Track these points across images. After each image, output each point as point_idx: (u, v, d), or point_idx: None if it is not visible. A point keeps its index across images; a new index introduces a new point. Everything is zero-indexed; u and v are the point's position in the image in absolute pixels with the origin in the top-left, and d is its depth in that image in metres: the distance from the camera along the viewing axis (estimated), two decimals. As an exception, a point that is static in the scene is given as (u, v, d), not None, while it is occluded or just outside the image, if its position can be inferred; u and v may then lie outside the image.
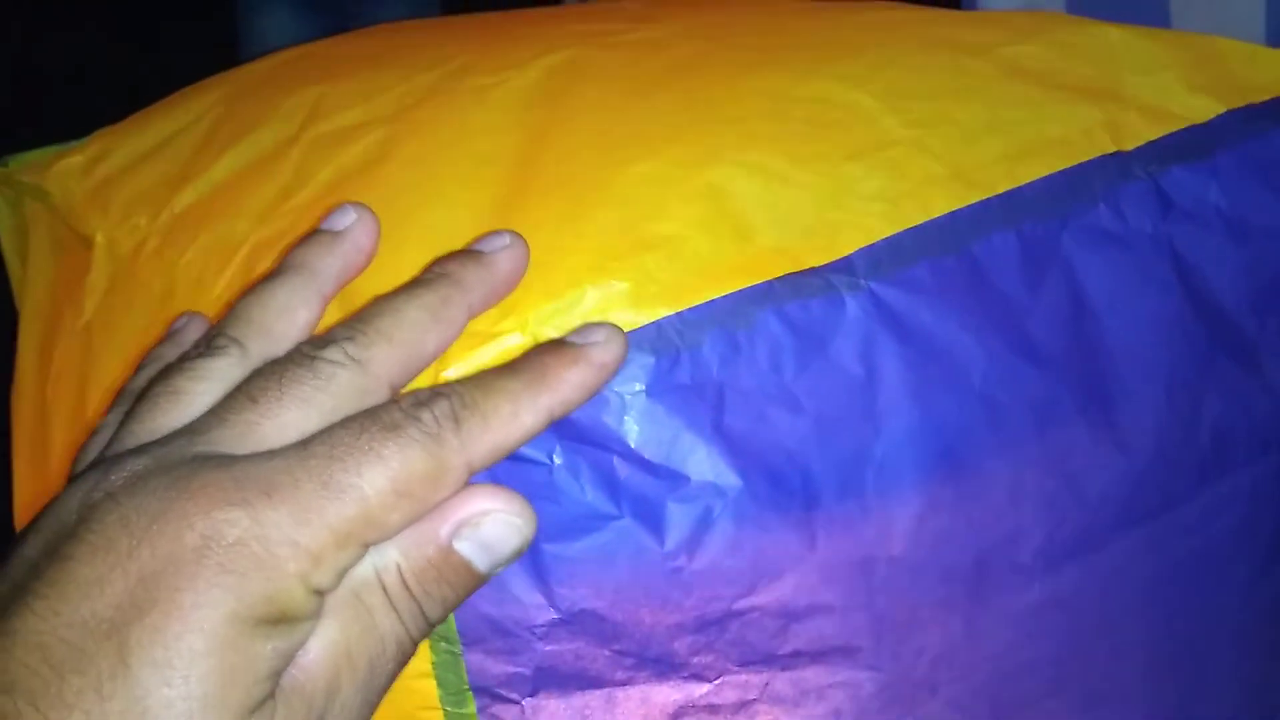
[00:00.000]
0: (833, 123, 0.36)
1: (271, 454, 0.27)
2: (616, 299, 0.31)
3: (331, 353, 0.28)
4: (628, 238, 0.32)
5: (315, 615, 0.26)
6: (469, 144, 0.37)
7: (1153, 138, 0.39)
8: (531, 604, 0.31)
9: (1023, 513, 0.34)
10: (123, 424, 0.29)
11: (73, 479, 0.28)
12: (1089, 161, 0.38)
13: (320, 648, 0.27)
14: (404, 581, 0.28)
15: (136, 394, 0.30)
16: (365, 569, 0.27)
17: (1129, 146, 0.39)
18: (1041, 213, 0.36)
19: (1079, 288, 0.36)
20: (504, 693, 0.31)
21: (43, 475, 0.46)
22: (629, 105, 0.37)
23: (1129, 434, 0.36)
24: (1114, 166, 0.38)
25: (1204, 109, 0.40)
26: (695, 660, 0.32)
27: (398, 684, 0.31)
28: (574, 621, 0.31)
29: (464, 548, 0.28)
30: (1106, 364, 0.36)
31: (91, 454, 0.30)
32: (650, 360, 0.31)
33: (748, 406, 0.31)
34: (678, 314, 0.31)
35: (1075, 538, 0.35)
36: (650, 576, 0.31)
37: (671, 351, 0.31)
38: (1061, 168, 0.37)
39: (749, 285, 0.32)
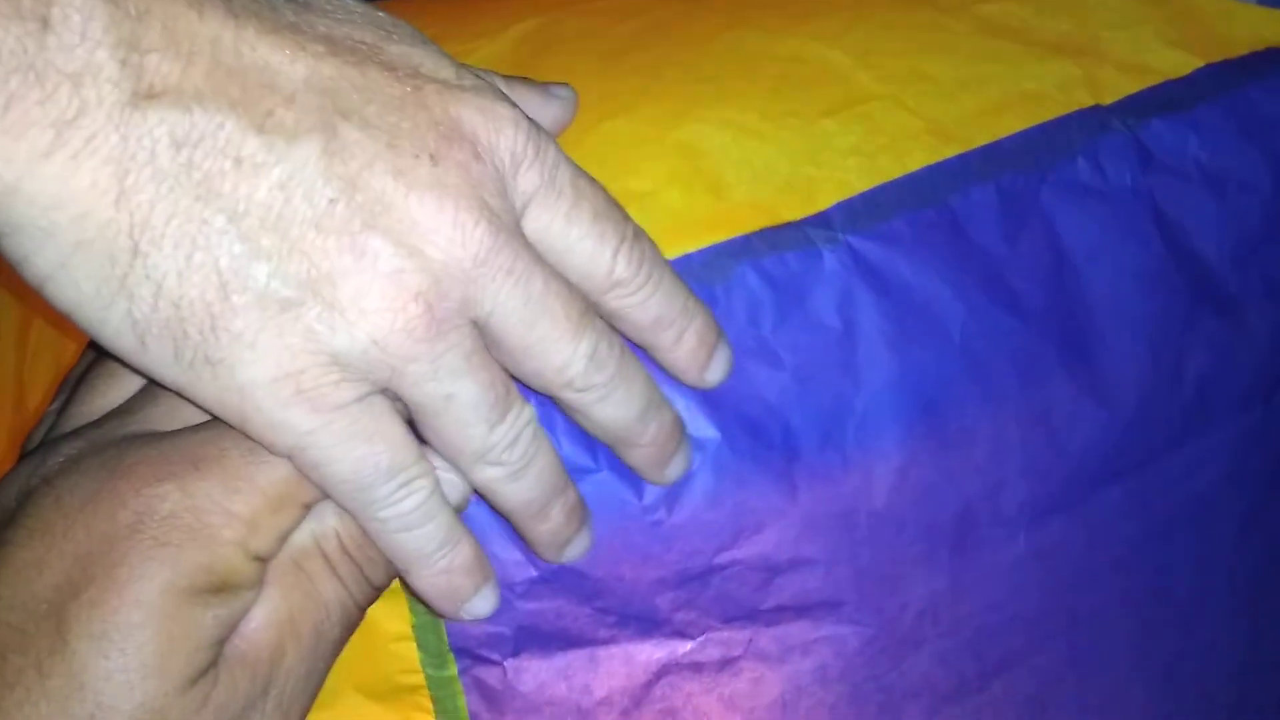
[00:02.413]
0: (806, 80, 0.36)
1: (199, 427, 0.27)
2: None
3: None
4: (602, 193, 0.32)
5: (257, 583, 0.26)
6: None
7: (1131, 92, 0.39)
8: (510, 561, 0.30)
9: (1005, 466, 0.34)
10: (63, 408, 0.29)
11: (14, 467, 0.28)
12: (1067, 115, 0.37)
13: (263, 616, 0.26)
14: (344, 547, 0.27)
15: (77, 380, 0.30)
16: (305, 537, 0.27)
17: (1107, 101, 0.38)
18: (1020, 166, 0.36)
19: (1059, 240, 0.36)
20: (485, 654, 0.31)
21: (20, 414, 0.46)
22: (601, 69, 0.37)
23: (1111, 386, 0.36)
24: (1092, 120, 0.38)
25: (1181, 64, 0.40)
26: (678, 617, 0.32)
27: (378, 648, 0.31)
28: (554, 579, 0.31)
29: None
30: (1088, 316, 0.36)
31: (37, 436, 0.30)
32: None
33: (725, 360, 0.31)
34: (653, 268, 0.31)
35: (1059, 491, 0.35)
36: (629, 530, 0.31)
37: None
38: (1039, 122, 0.37)
39: (725, 239, 0.32)
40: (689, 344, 0.29)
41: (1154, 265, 0.37)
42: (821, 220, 0.33)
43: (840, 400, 0.32)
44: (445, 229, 0.25)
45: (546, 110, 0.30)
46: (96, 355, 0.30)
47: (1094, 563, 0.36)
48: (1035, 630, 0.36)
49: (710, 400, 0.31)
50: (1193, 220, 0.38)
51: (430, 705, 0.32)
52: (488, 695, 0.32)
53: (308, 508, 0.27)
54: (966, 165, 0.35)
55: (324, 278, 0.24)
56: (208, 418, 0.27)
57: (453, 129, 0.25)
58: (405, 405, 0.26)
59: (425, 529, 0.27)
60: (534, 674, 0.32)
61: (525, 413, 0.27)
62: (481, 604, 0.29)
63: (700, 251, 0.32)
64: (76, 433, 0.28)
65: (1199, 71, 0.40)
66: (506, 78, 0.31)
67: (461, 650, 0.31)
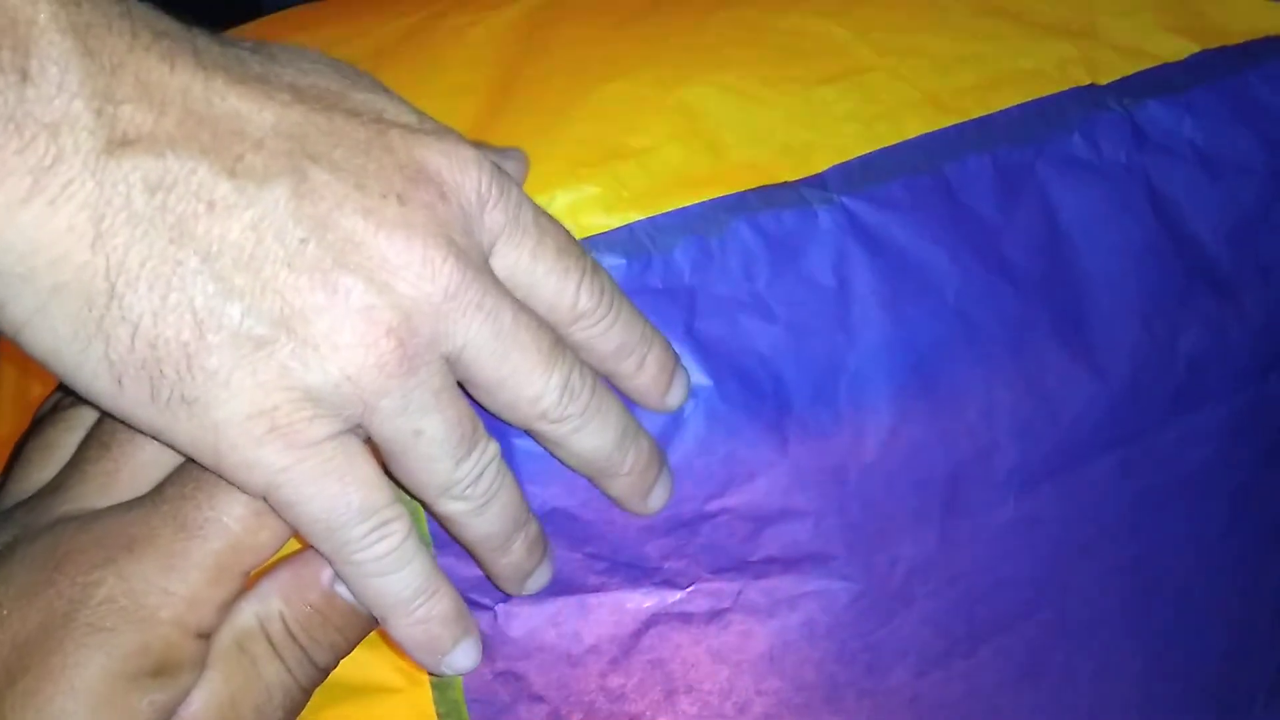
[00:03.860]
0: (806, 51, 0.37)
1: (129, 505, 0.27)
2: (587, 203, 0.32)
3: None
4: (600, 148, 0.33)
5: (198, 663, 0.26)
6: (446, 77, 0.37)
7: (1127, 73, 0.39)
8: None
9: (997, 430, 0.34)
10: (2, 484, 0.30)
11: None
12: (1063, 92, 0.38)
13: (203, 699, 0.27)
14: (288, 630, 0.28)
15: None
16: (248, 618, 0.27)
17: (1103, 81, 0.39)
18: (1015, 139, 0.36)
19: (1053, 212, 0.36)
20: (476, 598, 0.31)
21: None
22: (606, 37, 0.38)
23: (1104, 357, 0.36)
24: (1088, 98, 0.38)
25: (1178, 48, 0.41)
26: (667, 565, 0.32)
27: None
28: (546, 521, 0.31)
29: (346, 592, 0.28)
30: (1081, 288, 0.36)
31: None
32: (621, 262, 0.31)
33: (720, 312, 0.32)
34: (650, 219, 0.32)
35: (1050, 458, 0.35)
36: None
37: (643, 255, 0.31)
38: (1035, 97, 0.37)
39: (722, 195, 0.32)
40: (650, 370, 0.30)
41: (1148, 242, 0.38)
42: (818, 181, 0.34)
43: (833, 356, 0.33)
44: (415, 265, 0.25)
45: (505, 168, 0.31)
46: (31, 426, 0.30)
47: (1084, 533, 0.37)
48: (1024, 597, 0.36)
49: (703, 348, 0.31)
50: (1187, 200, 0.39)
51: (421, 649, 0.32)
52: (478, 640, 0.32)
53: (246, 576, 0.27)
54: (963, 135, 0.36)
55: (297, 315, 0.24)
56: (140, 491, 0.27)
57: (418, 171, 0.26)
58: (373, 443, 0.27)
59: (400, 574, 0.27)
60: (524, 620, 0.32)
61: (490, 449, 0.27)
62: (462, 658, 0.28)
63: (697, 205, 0.32)
64: (11, 517, 0.28)
65: (1195, 56, 0.41)
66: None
67: (453, 594, 0.31)
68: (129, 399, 0.24)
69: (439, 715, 0.32)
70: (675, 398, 0.30)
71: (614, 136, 0.33)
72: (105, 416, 0.29)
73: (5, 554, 0.27)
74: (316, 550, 0.27)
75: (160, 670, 0.26)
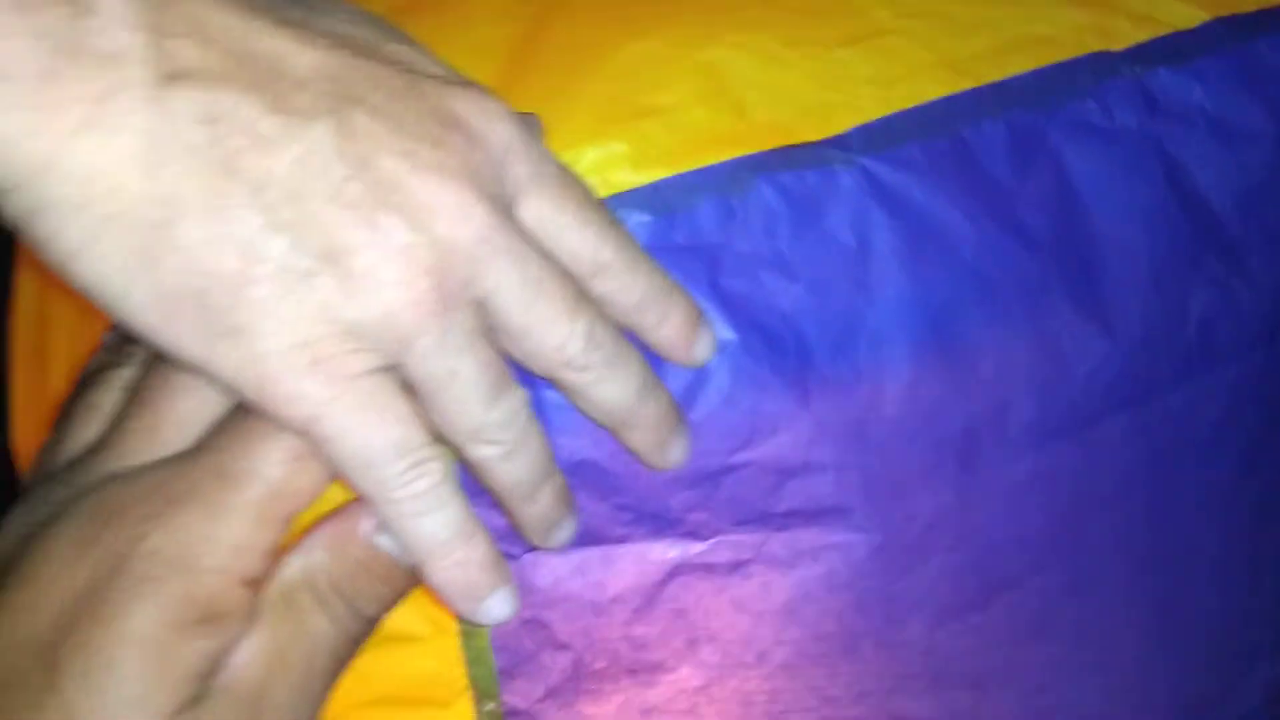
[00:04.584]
0: (825, 12, 0.37)
1: (171, 460, 0.27)
2: (615, 160, 0.32)
3: None
4: (626, 106, 0.33)
5: (245, 613, 0.27)
6: (468, 34, 0.37)
7: (1140, 40, 0.40)
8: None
9: (1012, 387, 0.35)
10: (53, 442, 0.30)
11: (16, 505, 0.29)
12: (1077, 58, 0.38)
13: (251, 649, 0.27)
14: (332, 581, 0.28)
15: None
16: (294, 571, 0.28)
17: (1116, 48, 0.39)
18: (1029, 103, 0.37)
19: (1066, 176, 0.37)
20: (503, 547, 0.32)
21: (47, 393, 0.46)
22: (625, -2, 0.38)
23: (1116, 317, 0.37)
24: (1102, 64, 0.39)
25: (1190, 16, 0.41)
26: (691, 517, 0.33)
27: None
28: (574, 472, 0.31)
29: (385, 542, 0.28)
30: (1093, 249, 0.37)
31: (32, 473, 0.31)
32: (647, 219, 0.32)
33: (743, 269, 0.32)
34: (675, 177, 0.32)
35: (1063, 415, 0.36)
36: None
37: (668, 212, 0.32)
38: (1050, 63, 0.38)
39: (745, 154, 0.33)
40: (675, 322, 0.30)
41: (1159, 206, 0.38)
42: (838, 142, 0.34)
43: (852, 313, 0.33)
44: (450, 208, 0.26)
45: None
46: (77, 386, 0.31)
47: (1095, 490, 0.37)
48: (1036, 552, 0.37)
49: (727, 304, 0.32)
50: (1198, 166, 0.39)
51: (448, 597, 0.33)
52: (504, 590, 0.33)
53: (288, 522, 0.27)
54: (979, 99, 0.36)
55: (340, 250, 0.25)
56: (181, 446, 0.28)
57: (450, 118, 0.26)
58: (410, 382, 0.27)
59: (438, 515, 0.27)
60: (550, 569, 0.33)
61: (519, 395, 0.28)
62: (500, 606, 0.29)
63: (720, 164, 0.33)
64: (60, 478, 0.28)
65: (1207, 25, 0.41)
66: None
67: (480, 543, 0.32)
68: (175, 330, 0.25)
69: (466, 663, 0.33)
70: (702, 351, 0.31)
71: (639, 95, 0.33)
72: (146, 375, 0.29)
73: (55, 515, 0.27)
74: (357, 491, 0.27)
75: (207, 618, 0.26)
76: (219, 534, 0.26)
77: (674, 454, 0.31)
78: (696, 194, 0.32)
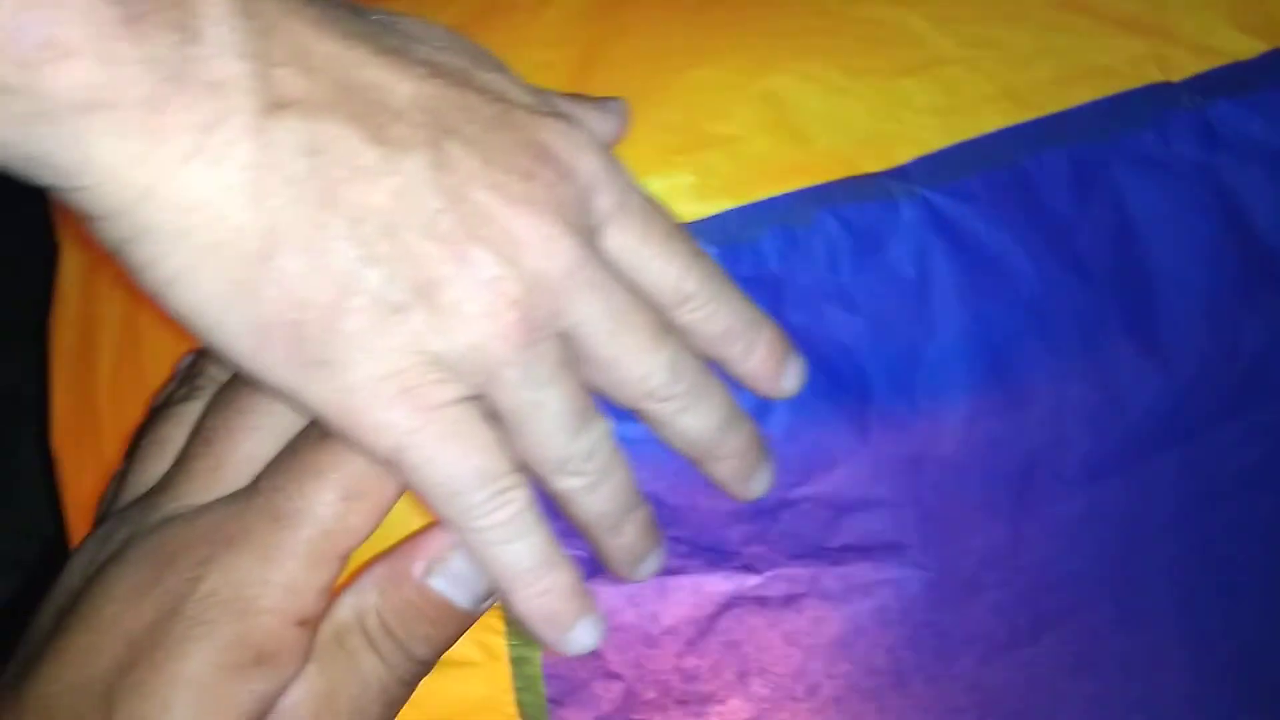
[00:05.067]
0: (885, 40, 0.37)
1: (228, 501, 0.27)
2: (680, 191, 0.32)
3: None
4: (690, 135, 0.33)
5: (300, 654, 0.27)
6: (526, 54, 0.37)
7: (1198, 71, 0.39)
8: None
9: (1068, 423, 0.35)
10: (123, 476, 0.30)
11: (82, 543, 0.29)
12: (1137, 89, 0.38)
13: (301, 691, 0.27)
14: (383, 622, 0.28)
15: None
16: (346, 612, 0.28)
17: (1175, 79, 0.39)
18: (1090, 134, 0.37)
19: (1125, 209, 0.37)
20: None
21: (88, 396, 0.46)
22: (683, 20, 0.38)
23: (1171, 352, 0.37)
24: (1162, 95, 0.38)
25: (1249, 47, 0.41)
26: (747, 551, 0.32)
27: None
28: (632, 505, 0.31)
29: (438, 584, 0.28)
30: (1150, 283, 0.37)
31: (104, 505, 0.31)
32: (713, 250, 0.31)
33: (805, 301, 0.32)
34: (739, 208, 0.32)
35: (1117, 452, 0.36)
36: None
37: (732, 243, 0.32)
38: (1110, 94, 0.38)
39: (808, 186, 0.33)
40: (760, 354, 0.30)
41: (1215, 240, 0.38)
42: (900, 174, 0.34)
43: (912, 348, 0.33)
44: (538, 242, 0.26)
45: (604, 124, 0.31)
46: (149, 420, 0.31)
47: (1146, 527, 0.37)
48: (1086, 588, 0.36)
49: (791, 339, 0.32)
50: (1255, 199, 0.39)
51: (501, 625, 0.33)
52: (558, 618, 0.32)
53: (343, 560, 0.27)
54: (1040, 130, 0.36)
55: (431, 283, 0.25)
56: (241, 484, 0.28)
57: (540, 150, 0.26)
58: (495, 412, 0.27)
59: (521, 544, 0.27)
60: (604, 599, 0.32)
61: (602, 427, 0.28)
62: (585, 635, 0.28)
63: (784, 195, 0.32)
64: (126, 516, 0.29)
65: (1266, 55, 0.41)
66: (566, 95, 0.32)
67: (535, 572, 0.32)
68: (266, 359, 0.25)
69: (516, 690, 0.33)
70: (790, 383, 0.31)
71: (702, 124, 0.33)
72: (207, 411, 0.29)
73: (119, 553, 0.27)
74: (441, 519, 0.27)
75: (261, 659, 0.26)
76: (272, 575, 0.26)
77: (758, 485, 0.31)
78: (760, 225, 0.32)
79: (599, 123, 0.31)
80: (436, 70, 0.26)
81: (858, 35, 0.37)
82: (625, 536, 0.29)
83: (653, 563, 0.31)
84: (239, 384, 0.29)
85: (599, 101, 0.31)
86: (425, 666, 0.29)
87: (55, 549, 0.42)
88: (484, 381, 0.26)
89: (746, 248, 0.32)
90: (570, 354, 0.27)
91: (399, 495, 0.28)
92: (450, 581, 0.28)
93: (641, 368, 0.28)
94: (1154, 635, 0.39)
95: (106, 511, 0.30)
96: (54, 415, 0.48)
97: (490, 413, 0.27)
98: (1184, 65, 0.39)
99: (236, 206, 0.23)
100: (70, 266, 0.49)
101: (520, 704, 0.33)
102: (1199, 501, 0.38)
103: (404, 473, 0.26)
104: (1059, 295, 0.35)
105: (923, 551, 0.33)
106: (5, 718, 0.26)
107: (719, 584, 0.33)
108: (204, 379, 0.30)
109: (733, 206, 0.32)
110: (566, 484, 0.28)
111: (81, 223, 0.24)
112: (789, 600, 0.33)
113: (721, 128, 0.33)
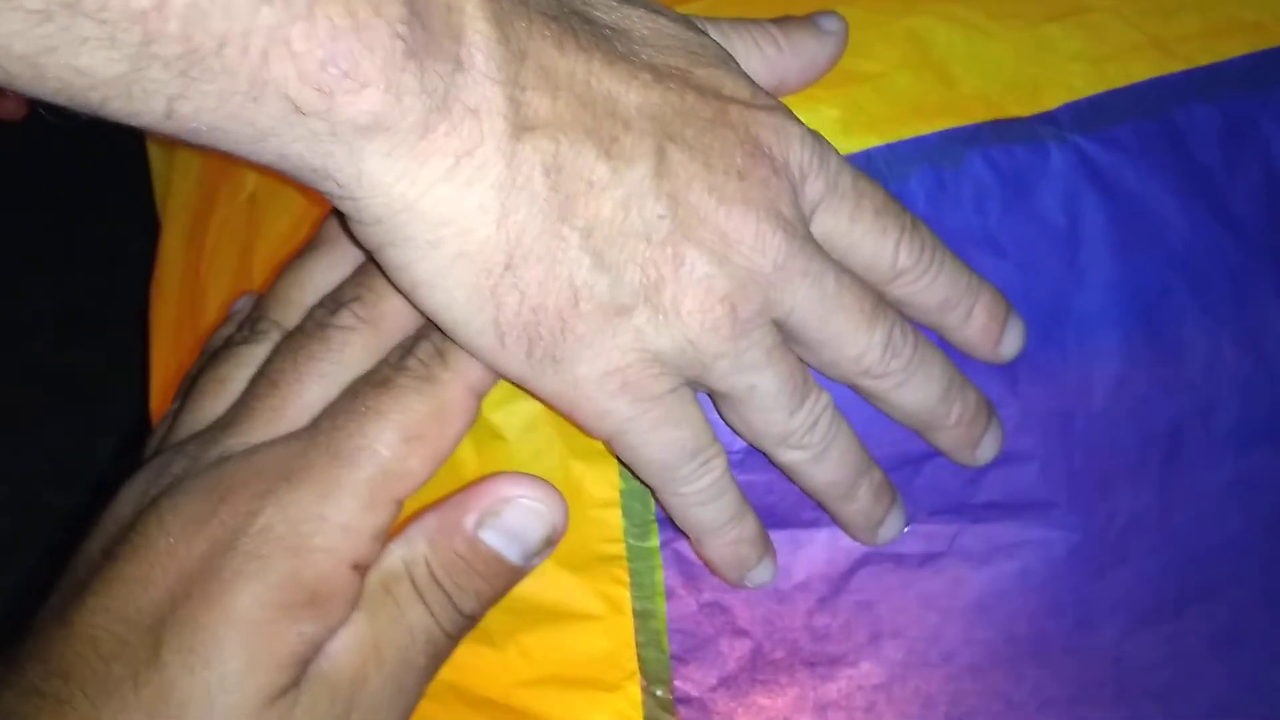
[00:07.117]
0: (1028, -14, 0.36)
1: (288, 439, 0.28)
2: (827, 126, 0.31)
3: (343, 318, 0.29)
4: (835, 71, 0.32)
5: (350, 599, 0.27)
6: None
7: (1349, 30, 0.38)
8: (727, 429, 0.30)
9: (1218, 385, 0.33)
10: (178, 413, 0.30)
11: (133, 475, 0.29)
12: (1287, 45, 0.37)
13: (348, 638, 0.27)
14: (432, 574, 0.28)
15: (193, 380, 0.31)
16: (395, 561, 0.28)
17: (1325, 37, 0.37)
18: (1242, 89, 0.35)
19: (1275, 166, 0.35)
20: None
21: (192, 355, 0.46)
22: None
23: (1325, 318, 0.35)
24: (1312, 52, 0.37)
25: (1399, 8, 0.39)
26: (886, 504, 0.31)
27: (583, 513, 0.30)
28: (762, 457, 0.30)
29: (489, 537, 0.28)
30: (1303, 245, 0.35)
31: (155, 440, 0.31)
32: (859, 187, 0.30)
33: (952, 244, 0.31)
34: (887, 145, 0.31)
35: (1267, 419, 0.34)
36: (851, 407, 0.30)
37: (880, 181, 0.30)
38: (1260, 49, 0.36)
39: (955, 126, 0.31)
40: (979, 320, 0.30)
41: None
42: (1049, 119, 0.32)
43: (1061, 297, 0.32)
44: (749, 239, 0.27)
45: (822, 49, 0.31)
46: (208, 360, 0.30)
47: (1295, 500, 0.35)
48: (1234, 561, 0.35)
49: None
50: None
51: (627, 577, 0.31)
52: (685, 570, 0.31)
53: (399, 504, 0.27)
54: (1191, 82, 0.35)
55: (652, 285, 0.26)
56: (299, 426, 0.28)
57: (755, 147, 0.27)
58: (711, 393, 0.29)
59: (718, 503, 0.29)
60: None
61: (822, 399, 0.29)
62: (764, 573, 0.30)
63: (932, 135, 0.31)
64: (183, 449, 0.29)
65: None
66: (779, 19, 0.31)
67: (666, 521, 0.31)
68: (506, 355, 0.26)
69: (638, 644, 0.32)
70: (1010, 347, 0.30)
71: (846, 60, 0.32)
72: (274, 354, 0.29)
73: (175, 486, 0.27)
74: (645, 483, 0.29)
75: (313, 601, 0.26)
76: (329, 513, 0.26)
77: (985, 452, 0.31)
78: (908, 164, 0.31)
79: (816, 48, 0.31)
80: (659, 74, 0.27)
81: (999, -20, 0.36)
82: (859, 502, 0.30)
83: (892, 525, 0.31)
84: (310, 329, 0.29)
85: (812, 24, 0.31)
86: (472, 620, 0.29)
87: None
88: (699, 372, 0.27)
89: (894, 187, 0.30)
90: (784, 336, 0.28)
91: (457, 441, 0.28)
92: (502, 536, 0.28)
93: (855, 348, 0.28)
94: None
95: (159, 447, 0.30)
96: (154, 389, 0.48)
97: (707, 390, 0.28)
98: (1334, 24, 0.38)
99: (483, 224, 0.25)
100: (174, 230, 0.48)
101: (641, 659, 0.32)
102: (1349, 477, 0.36)
103: (620, 451, 0.28)
104: (1211, 252, 0.33)
105: (1069, 511, 0.32)
106: (51, 646, 0.26)
107: (853, 540, 0.31)
108: (266, 323, 0.30)
109: (878, 143, 0.31)
110: (791, 457, 0.29)
111: (348, 225, 0.26)
112: (926, 559, 0.31)
113: (865, 65, 0.32)
